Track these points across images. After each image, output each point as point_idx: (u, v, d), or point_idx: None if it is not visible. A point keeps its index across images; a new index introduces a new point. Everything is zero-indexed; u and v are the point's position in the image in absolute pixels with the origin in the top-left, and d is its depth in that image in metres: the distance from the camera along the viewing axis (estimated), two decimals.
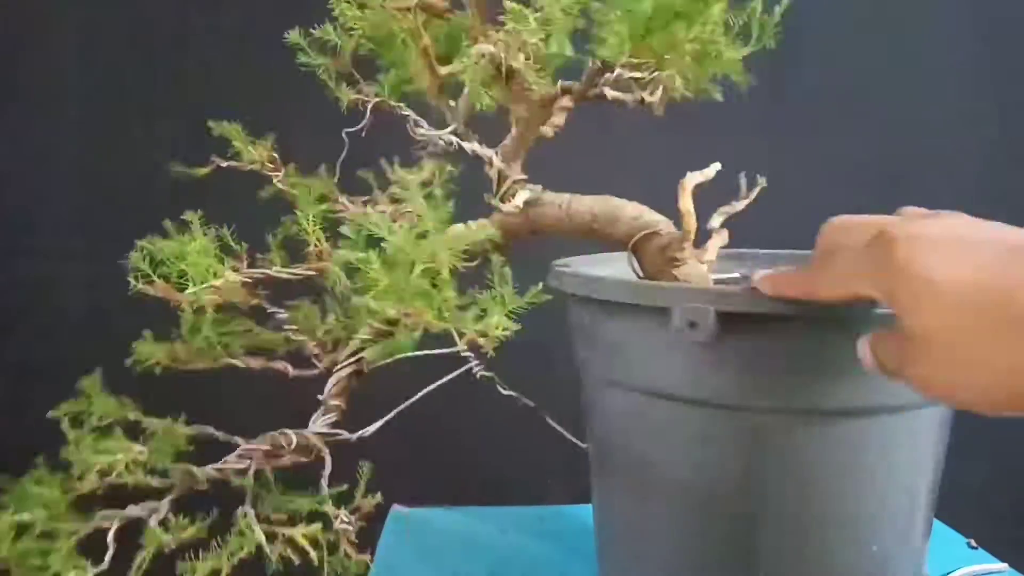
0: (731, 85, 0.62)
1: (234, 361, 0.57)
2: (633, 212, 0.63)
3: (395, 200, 0.60)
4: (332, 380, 0.55)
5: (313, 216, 0.54)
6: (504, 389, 0.57)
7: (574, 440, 0.60)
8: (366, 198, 0.62)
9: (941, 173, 1.26)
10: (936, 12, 1.21)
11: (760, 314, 0.50)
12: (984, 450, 1.25)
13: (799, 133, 1.23)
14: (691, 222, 0.60)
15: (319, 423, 0.52)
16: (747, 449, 0.55)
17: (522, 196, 0.63)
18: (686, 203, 0.60)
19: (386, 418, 0.54)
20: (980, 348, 0.36)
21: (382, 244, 0.47)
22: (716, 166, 0.62)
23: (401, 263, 0.47)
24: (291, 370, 0.59)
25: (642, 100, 0.64)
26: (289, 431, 0.51)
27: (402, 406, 0.56)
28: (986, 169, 1.27)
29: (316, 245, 0.54)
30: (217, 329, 0.58)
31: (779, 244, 0.76)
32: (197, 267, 0.50)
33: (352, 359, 0.55)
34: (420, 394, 0.55)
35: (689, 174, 0.61)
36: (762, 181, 0.66)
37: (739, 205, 0.67)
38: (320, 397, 0.53)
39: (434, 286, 0.46)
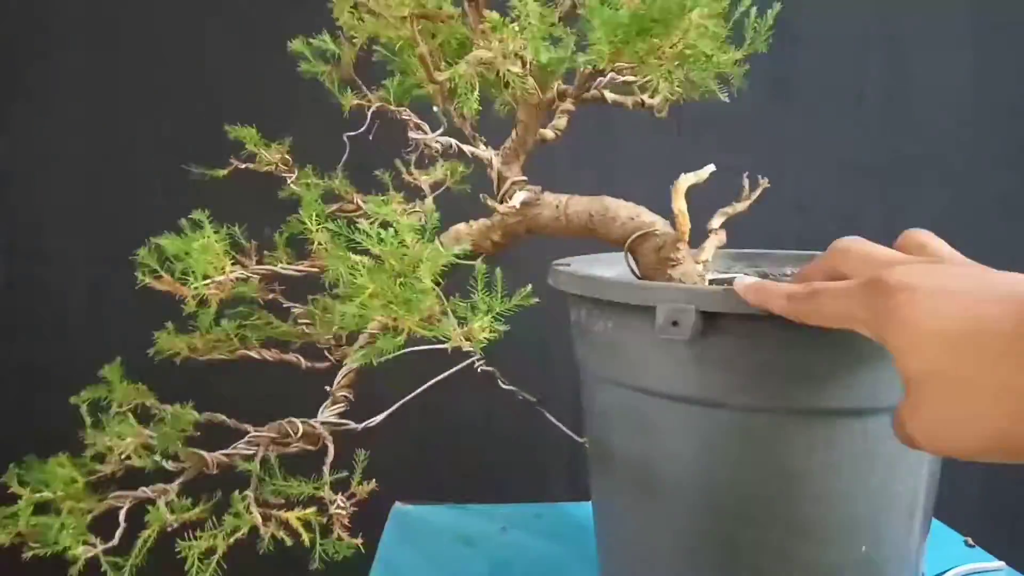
0: (730, 85, 0.63)
1: (250, 353, 0.59)
2: (629, 212, 0.64)
3: (406, 200, 0.61)
4: (342, 372, 0.56)
5: (317, 214, 0.55)
6: (504, 384, 0.58)
7: (572, 435, 0.60)
8: (383, 197, 0.63)
9: (941, 173, 1.27)
10: (936, 12, 1.22)
11: (743, 314, 0.51)
12: None
13: (799, 133, 1.23)
14: (684, 223, 0.61)
15: (327, 413, 0.54)
16: (739, 448, 0.55)
17: (519, 197, 0.64)
18: (679, 204, 0.61)
19: (391, 410, 0.56)
20: (976, 393, 0.36)
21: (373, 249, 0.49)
22: (710, 167, 0.62)
23: (387, 270, 0.48)
24: (304, 362, 0.61)
25: (642, 103, 0.65)
26: (296, 420, 0.53)
27: (405, 398, 0.57)
28: (986, 169, 1.27)
29: (319, 243, 0.55)
30: (235, 322, 0.61)
31: (779, 244, 0.77)
32: (200, 263, 0.52)
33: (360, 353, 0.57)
34: (422, 388, 0.57)
35: (682, 176, 0.62)
36: (764, 182, 0.67)
37: (740, 206, 0.68)
38: (328, 388, 0.55)
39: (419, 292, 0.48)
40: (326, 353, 0.62)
